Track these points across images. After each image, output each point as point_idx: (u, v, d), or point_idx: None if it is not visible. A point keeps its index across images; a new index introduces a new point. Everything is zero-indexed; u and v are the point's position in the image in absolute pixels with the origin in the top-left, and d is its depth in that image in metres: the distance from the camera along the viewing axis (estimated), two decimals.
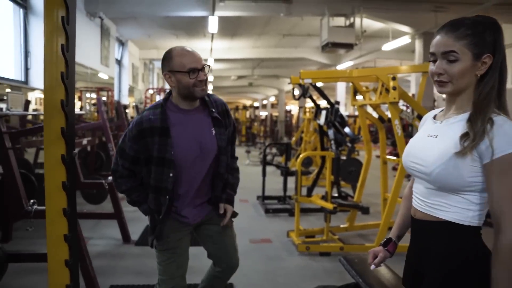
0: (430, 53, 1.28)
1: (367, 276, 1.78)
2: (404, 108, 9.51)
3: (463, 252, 1.23)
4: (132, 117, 12.03)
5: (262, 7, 8.59)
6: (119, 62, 12.64)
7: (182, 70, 1.71)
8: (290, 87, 8.12)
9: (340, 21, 8.93)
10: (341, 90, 16.01)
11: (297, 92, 5.43)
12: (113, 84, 11.13)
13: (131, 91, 13.44)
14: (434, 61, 1.27)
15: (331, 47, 8.39)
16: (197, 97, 1.78)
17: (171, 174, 1.76)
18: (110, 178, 4.32)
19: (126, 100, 12.42)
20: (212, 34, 11.33)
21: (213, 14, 8.53)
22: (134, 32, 12.22)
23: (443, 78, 1.25)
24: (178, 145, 1.78)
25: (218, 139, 1.84)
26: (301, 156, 4.54)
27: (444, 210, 1.26)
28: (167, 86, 25.51)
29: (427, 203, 1.30)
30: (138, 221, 4.76)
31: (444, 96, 1.33)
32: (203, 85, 1.76)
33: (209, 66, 1.80)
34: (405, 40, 9.60)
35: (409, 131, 8.90)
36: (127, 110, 10.82)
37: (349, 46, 8.57)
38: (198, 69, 1.73)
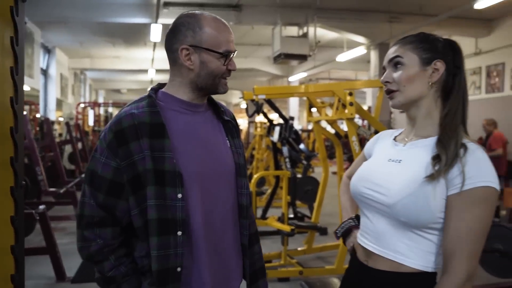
0: (383, 68, 1.31)
1: None
2: (360, 121, 9.94)
3: None
4: (60, 134, 11.65)
5: None
6: (44, 72, 12.25)
7: (215, 50, 1.27)
8: (239, 100, 8.19)
9: (293, 30, 9.24)
10: (293, 103, 16.44)
11: (245, 106, 5.53)
12: (38, 97, 10.76)
13: (59, 105, 13.04)
14: None
15: (283, 58, 8.60)
16: (218, 92, 1.35)
17: (179, 195, 1.22)
18: (41, 207, 4.16)
19: (53, 115, 12.03)
20: (155, 43, 11.28)
21: (156, 22, 8.54)
22: (63, 38, 11.93)
23: (391, 86, 1.25)
24: (183, 152, 1.27)
25: (235, 153, 1.39)
26: (255, 176, 4.64)
27: (407, 256, 1.17)
28: (101, 100, 24.22)
29: (386, 244, 1.21)
30: (73, 255, 4.58)
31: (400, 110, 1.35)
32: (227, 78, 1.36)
33: (235, 51, 1.33)
34: (360, 50, 10.08)
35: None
36: (55, 127, 10.48)
37: (302, 57, 8.82)
38: (232, 52, 1.31)
